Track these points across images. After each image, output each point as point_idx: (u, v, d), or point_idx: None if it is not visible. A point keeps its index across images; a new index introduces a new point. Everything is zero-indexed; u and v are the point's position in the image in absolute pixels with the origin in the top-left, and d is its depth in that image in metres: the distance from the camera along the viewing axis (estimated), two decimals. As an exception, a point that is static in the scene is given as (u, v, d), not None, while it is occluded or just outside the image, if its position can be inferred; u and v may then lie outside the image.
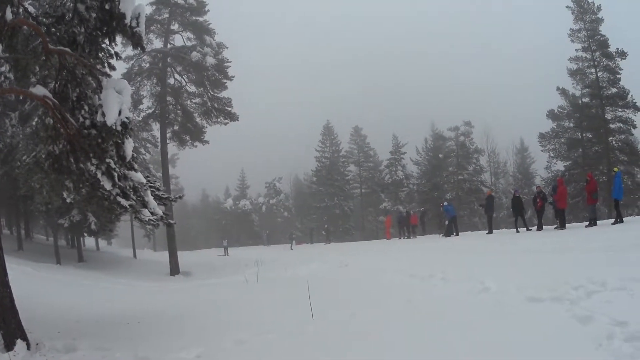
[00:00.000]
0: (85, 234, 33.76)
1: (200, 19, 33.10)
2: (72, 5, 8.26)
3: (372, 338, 7.29)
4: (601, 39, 45.19)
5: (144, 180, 9.60)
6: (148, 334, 9.62)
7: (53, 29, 8.30)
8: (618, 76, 44.95)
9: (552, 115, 47.75)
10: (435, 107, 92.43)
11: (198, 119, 33.57)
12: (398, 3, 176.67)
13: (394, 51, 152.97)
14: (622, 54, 44.16)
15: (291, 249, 40.21)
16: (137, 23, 8.23)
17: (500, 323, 7.08)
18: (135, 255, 40.67)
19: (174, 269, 28.73)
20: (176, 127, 33.25)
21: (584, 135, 47.06)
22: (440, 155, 64.37)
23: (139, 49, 8.66)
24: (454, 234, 28.94)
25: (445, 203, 33.07)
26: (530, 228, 24.23)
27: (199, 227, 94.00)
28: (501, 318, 7.33)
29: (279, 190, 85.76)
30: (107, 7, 8.10)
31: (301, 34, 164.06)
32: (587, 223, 21.09)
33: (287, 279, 16.83)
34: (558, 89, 47.55)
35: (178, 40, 33.09)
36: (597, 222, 21.09)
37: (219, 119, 33.49)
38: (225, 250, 46.85)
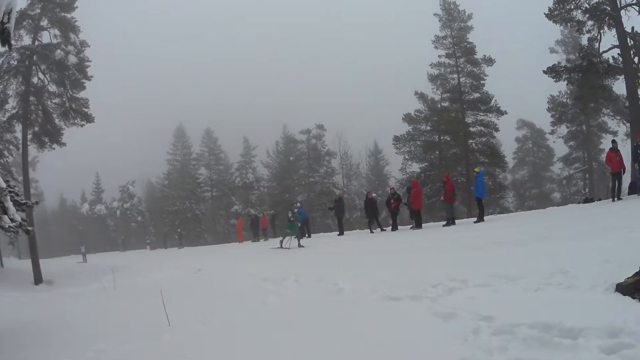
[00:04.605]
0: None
1: (69, 15, 32.22)
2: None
3: (227, 342, 7.32)
4: (468, 46, 48.27)
5: (4, 185, 9.30)
6: (14, 347, 9.35)
7: None
8: (482, 82, 48.32)
9: (408, 118, 49.67)
10: (289, 111, 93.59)
11: (57, 120, 32.42)
12: (257, 7, 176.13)
13: (248, 54, 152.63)
14: (489, 61, 47.43)
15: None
16: (9, 19, 7.61)
17: (358, 323, 7.06)
18: (2, 264, 37.98)
19: (38, 278, 27.60)
20: (36, 129, 31.96)
21: (442, 138, 49.62)
22: (291, 158, 66.29)
23: (7, 46, 8.04)
24: (306, 236, 29.38)
25: (298, 204, 33.54)
26: (384, 229, 24.94)
27: (58, 233, 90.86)
28: (358, 318, 7.32)
29: (133, 194, 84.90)
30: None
31: (154, 33, 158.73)
32: (444, 222, 22.01)
33: (142, 285, 16.38)
34: (416, 93, 49.98)
35: (46, 37, 31.97)
36: (456, 221, 22.24)
37: (76, 120, 32.54)
38: (83, 256, 44.96)
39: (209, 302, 10.69)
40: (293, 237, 22.72)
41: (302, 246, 21.57)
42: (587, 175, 55.76)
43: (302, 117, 78.38)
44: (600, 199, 24.45)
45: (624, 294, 5.95)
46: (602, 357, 4.60)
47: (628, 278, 6.15)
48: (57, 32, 32.06)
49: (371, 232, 24.94)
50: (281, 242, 22.74)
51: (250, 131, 75.99)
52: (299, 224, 23.83)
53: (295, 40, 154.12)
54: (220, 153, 75.68)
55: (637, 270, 6.16)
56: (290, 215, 23.39)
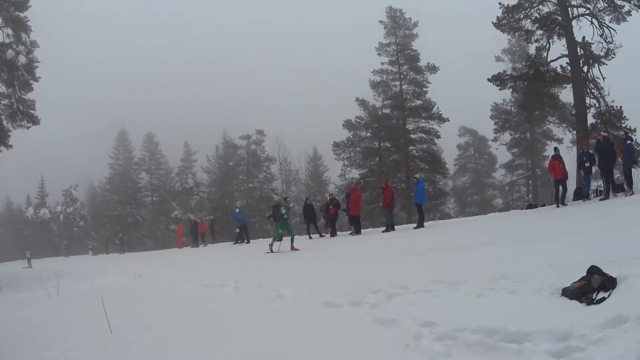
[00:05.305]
0: None
1: (22, 14, 32.02)
2: None
3: (169, 349, 7.29)
4: (412, 53, 49.49)
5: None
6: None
7: None
8: (425, 89, 49.64)
9: (348, 125, 50.47)
10: (230, 116, 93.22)
11: (4, 122, 32.15)
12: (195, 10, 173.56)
13: (190, 57, 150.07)
14: (433, 69, 48.92)
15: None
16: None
17: (300, 329, 7.02)
18: (-49, 270, 37.30)
19: (-13, 283, 27.04)
20: (-15, 130, 31.50)
21: (382, 144, 50.55)
22: (231, 163, 66.99)
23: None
24: (245, 241, 29.86)
25: (237, 210, 34.56)
26: (323, 234, 24.95)
27: (4, 237, 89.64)
28: (300, 324, 7.29)
29: (75, 198, 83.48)
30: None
31: (101, 33, 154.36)
32: (384, 228, 22.17)
33: (86, 291, 16.28)
34: (357, 100, 50.69)
35: (-1, 36, 31.95)
36: (396, 227, 22.58)
37: (22, 122, 32.49)
38: (28, 261, 44.79)
39: (151, 309, 10.64)
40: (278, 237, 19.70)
41: (297, 249, 18.91)
42: (530, 182, 57.24)
43: (242, 121, 78.61)
44: (544, 205, 25.02)
45: (571, 298, 5.95)
46: (552, 361, 4.61)
47: (574, 282, 6.16)
48: (9, 31, 31.84)
49: (309, 237, 24.95)
50: (271, 245, 19.70)
51: (191, 135, 76.12)
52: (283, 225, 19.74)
53: (237, 42, 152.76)
54: (161, 158, 76.31)
55: (584, 274, 6.20)
56: (283, 212, 20.10)
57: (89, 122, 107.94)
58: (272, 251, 19.24)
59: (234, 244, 31.02)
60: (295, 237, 20.37)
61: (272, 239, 20.39)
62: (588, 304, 5.69)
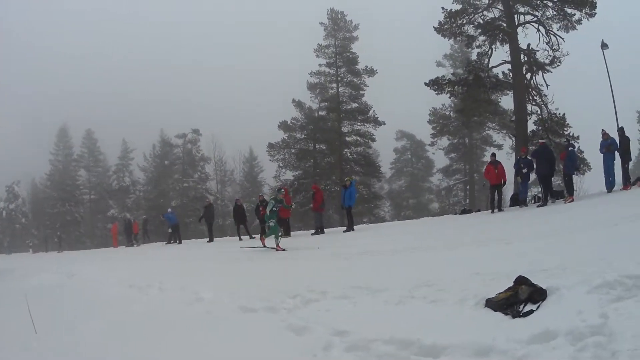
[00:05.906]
0: None
1: None
2: None
3: (91, 350, 7.28)
4: (350, 56, 49.88)
5: None
6: None
7: None
8: (362, 92, 50.01)
9: (284, 126, 50.54)
10: (168, 114, 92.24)
11: None
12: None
13: (130, 55, 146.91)
14: (371, 72, 49.29)
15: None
16: None
17: (212, 334, 7.13)
18: None
19: None
20: None
21: (317, 146, 50.92)
22: (167, 162, 67.05)
23: None
24: (177, 241, 30.00)
25: (169, 210, 34.35)
26: (253, 236, 24.72)
27: None
28: (213, 329, 7.40)
29: (17, 194, 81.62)
30: None
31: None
32: (313, 231, 22.19)
33: (21, 290, 15.99)
34: (294, 101, 50.88)
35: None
36: (326, 230, 22.63)
37: None
38: None
39: (77, 309, 10.52)
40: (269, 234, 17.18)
41: (284, 249, 16.14)
42: (467, 187, 58.03)
43: (180, 120, 77.88)
44: (479, 210, 25.36)
45: (495, 310, 5.71)
46: (469, 377, 4.47)
47: (500, 293, 5.94)
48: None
49: (240, 239, 24.74)
50: (262, 238, 17.85)
51: (130, 132, 75.47)
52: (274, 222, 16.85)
53: (173, 40, 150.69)
54: (100, 155, 75.82)
55: (511, 285, 5.97)
56: (273, 205, 17.26)
57: (34, 116, 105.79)
58: (264, 245, 17.55)
59: (166, 244, 31.10)
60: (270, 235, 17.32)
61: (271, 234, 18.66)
62: (514, 317, 5.46)
